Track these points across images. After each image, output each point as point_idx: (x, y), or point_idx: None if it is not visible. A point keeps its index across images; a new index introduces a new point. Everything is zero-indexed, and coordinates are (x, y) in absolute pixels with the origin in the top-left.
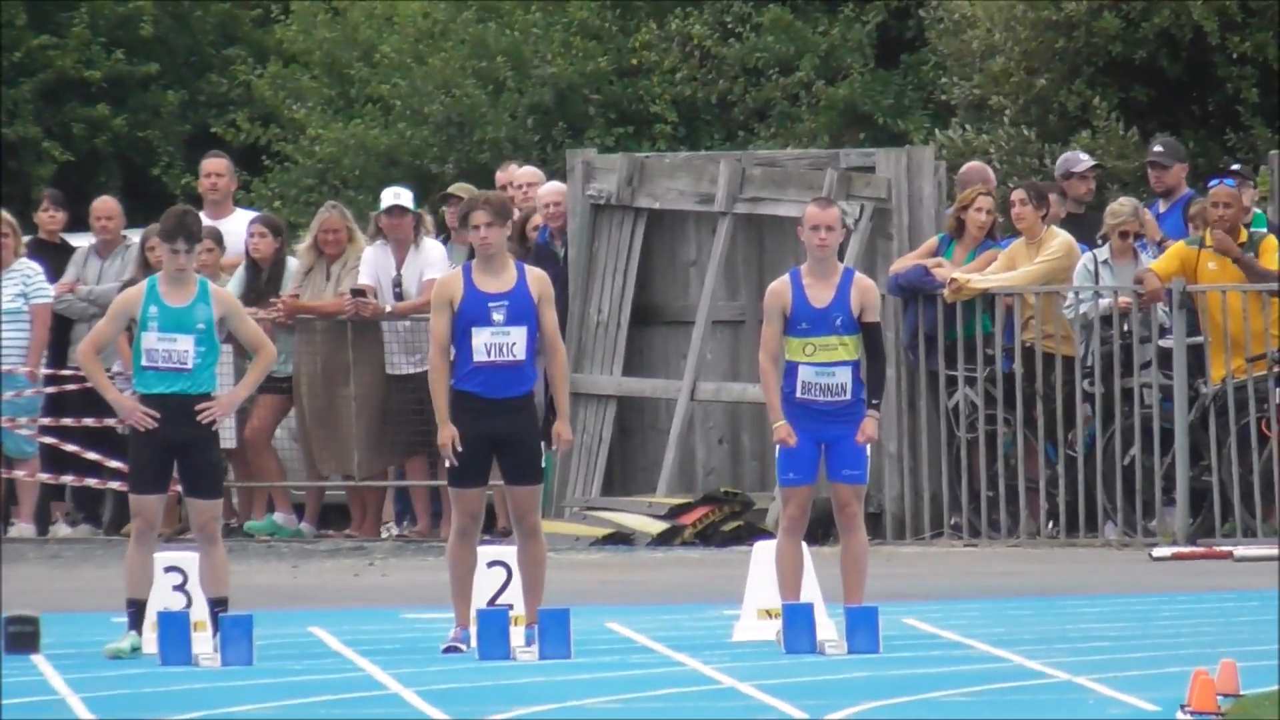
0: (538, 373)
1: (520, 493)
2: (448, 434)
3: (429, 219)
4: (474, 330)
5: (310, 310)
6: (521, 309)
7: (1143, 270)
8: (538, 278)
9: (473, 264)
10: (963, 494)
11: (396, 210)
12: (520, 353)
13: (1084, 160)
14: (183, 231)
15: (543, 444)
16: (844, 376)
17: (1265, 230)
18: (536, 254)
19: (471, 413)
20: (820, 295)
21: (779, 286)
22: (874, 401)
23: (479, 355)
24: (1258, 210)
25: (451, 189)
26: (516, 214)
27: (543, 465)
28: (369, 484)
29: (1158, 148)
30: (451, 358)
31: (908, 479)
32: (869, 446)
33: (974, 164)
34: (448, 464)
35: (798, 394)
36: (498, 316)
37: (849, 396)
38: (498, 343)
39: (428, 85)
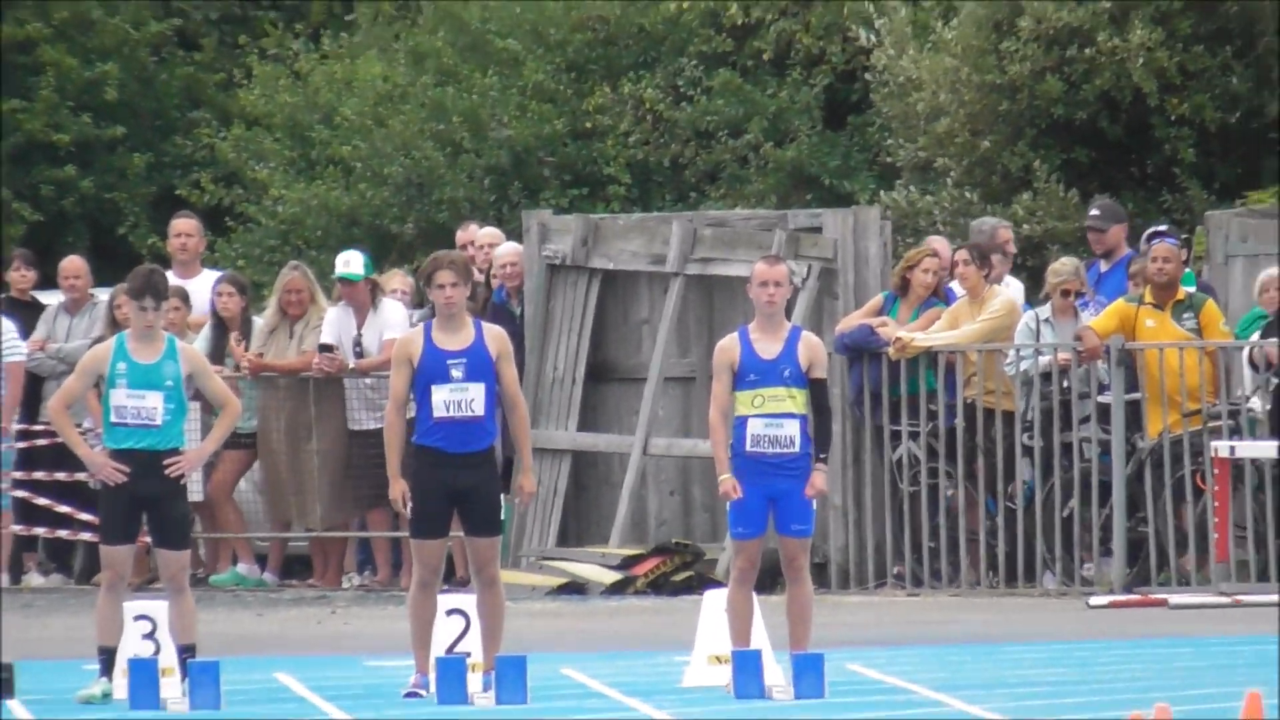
0: (497, 428)
1: (480, 544)
2: (399, 488)
3: (392, 279)
4: (434, 387)
5: (274, 368)
6: (479, 366)
7: (1082, 328)
8: (496, 335)
9: (433, 322)
10: (905, 545)
11: (345, 280)
12: (479, 408)
13: (990, 223)
14: (150, 289)
15: (502, 496)
16: (792, 429)
17: (1198, 290)
18: (493, 313)
19: (433, 466)
20: (768, 348)
21: (727, 343)
22: (821, 455)
23: (439, 411)
24: (1188, 269)
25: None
26: (477, 274)
27: (501, 518)
28: (331, 534)
29: (1094, 211)
30: (411, 414)
31: (852, 530)
32: (815, 500)
33: (936, 238)
34: (409, 516)
35: (747, 447)
36: (456, 373)
37: (797, 449)
38: (456, 399)
39: (387, 147)
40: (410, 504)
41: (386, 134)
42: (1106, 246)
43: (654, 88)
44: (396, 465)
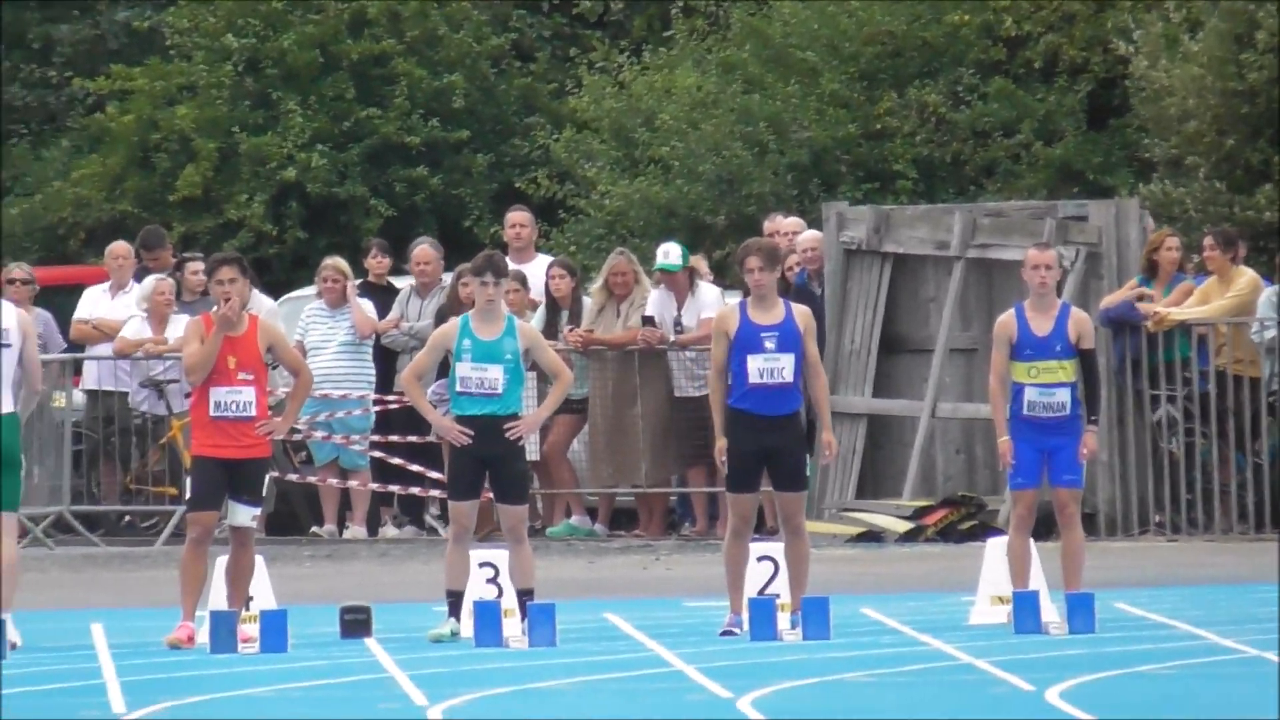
0: (802, 394)
1: (788, 498)
2: (721, 445)
3: (703, 265)
4: (749, 357)
5: (602, 343)
6: (789, 338)
7: None
8: (803, 313)
9: (748, 301)
10: (1165, 496)
11: (665, 270)
12: (788, 375)
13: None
14: (490, 267)
15: (807, 455)
16: (1063, 396)
17: None
18: (796, 293)
19: (746, 428)
20: (1041, 325)
21: (1006, 319)
22: (1092, 418)
23: (753, 378)
24: None
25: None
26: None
27: (806, 474)
28: (654, 490)
29: None
30: (729, 381)
31: (1118, 483)
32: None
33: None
34: (726, 472)
35: (1024, 411)
36: (769, 345)
37: (1068, 412)
38: (769, 367)
39: (701, 148)
40: (727, 462)
41: (700, 136)
42: None
43: (936, 93)
44: (721, 423)
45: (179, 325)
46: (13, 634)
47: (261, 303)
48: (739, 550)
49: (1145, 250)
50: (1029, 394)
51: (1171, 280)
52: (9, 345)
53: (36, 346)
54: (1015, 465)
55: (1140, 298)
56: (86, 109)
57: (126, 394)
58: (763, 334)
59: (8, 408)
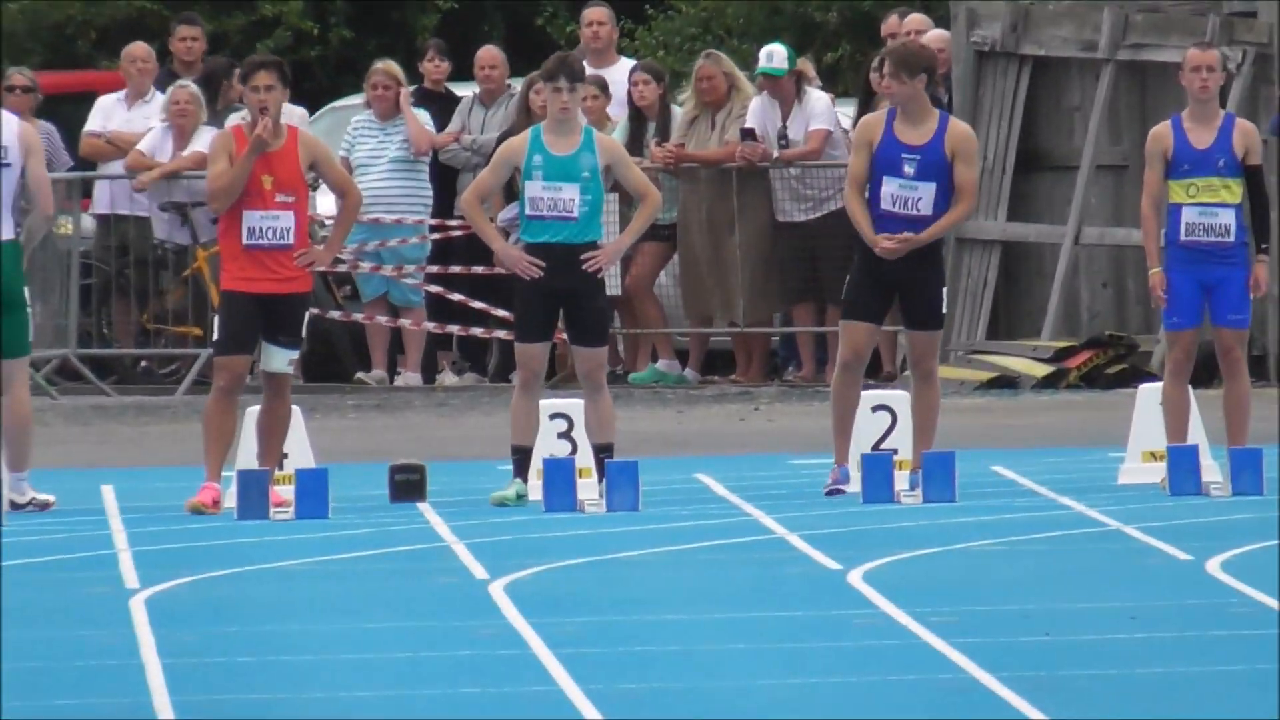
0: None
1: (920, 337)
2: (885, 243)
3: (811, 69)
4: (884, 179)
5: (695, 159)
6: (934, 164)
7: None
8: (959, 134)
9: (896, 111)
10: None
11: (768, 75)
12: (925, 208)
13: None
14: (564, 70)
15: (943, 290)
16: (1227, 218)
17: None
18: None
19: (873, 257)
20: (1202, 138)
21: (1160, 130)
22: (1263, 246)
23: (884, 204)
24: None
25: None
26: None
27: (943, 311)
28: (755, 330)
29: None
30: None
31: None
32: (1251, 289)
33: None
34: (844, 295)
35: (1182, 236)
36: (908, 169)
37: (1232, 239)
38: (904, 195)
39: None
40: (847, 286)
41: None
42: None
43: None
44: (870, 231)
45: (206, 139)
46: (38, 493)
47: (292, 113)
48: (849, 389)
49: None
50: (1187, 215)
51: None
52: (8, 164)
53: (43, 163)
54: (1171, 301)
55: None
56: None
57: (144, 219)
58: (904, 155)
59: (7, 234)
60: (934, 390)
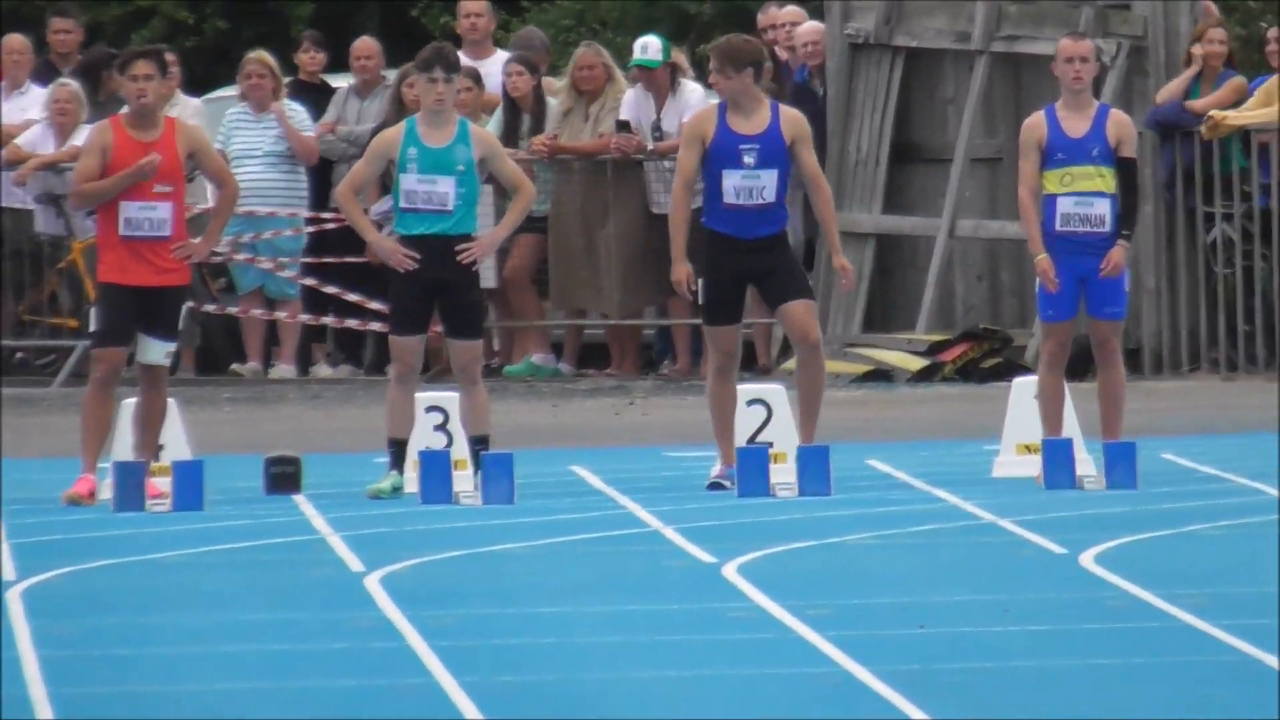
0: (787, 211)
1: (794, 308)
2: (682, 271)
3: (685, 60)
4: (724, 172)
5: (570, 151)
6: (773, 152)
7: None
8: (791, 119)
9: (727, 103)
10: (1220, 328)
11: (642, 66)
12: (770, 195)
13: None
14: (440, 60)
15: (803, 269)
16: (1102, 208)
17: None
18: (795, 93)
19: (725, 250)
20: (1076, 127)
21: (1034, 120)
22: (1124, 232)
23: (728, 197)
24: None
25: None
26: (781, 54)
27: (809, 283)
28: (629, 322)
29: None
30: (702, 197)
31: (1165, 314)
32: (1127, 282)
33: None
34: (701, 301)
35: (1057, 226)
36: (748, 159)
37: (1108, 229)
38: (747, 185)
39: None
40: (702, 290)
41: None
42: None
43: None
44: (682, 246)
45: (86, 134)
46: None
47: (186, 103)
48: (725, 391)
49: (1188, 44)
50: (1062, 205)
51: (1219, 78)
52: None
53: None
54: (1046, 294)
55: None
56: None
57: (21, 211)
58: (741, 146)
59: None
60: (818, 361)
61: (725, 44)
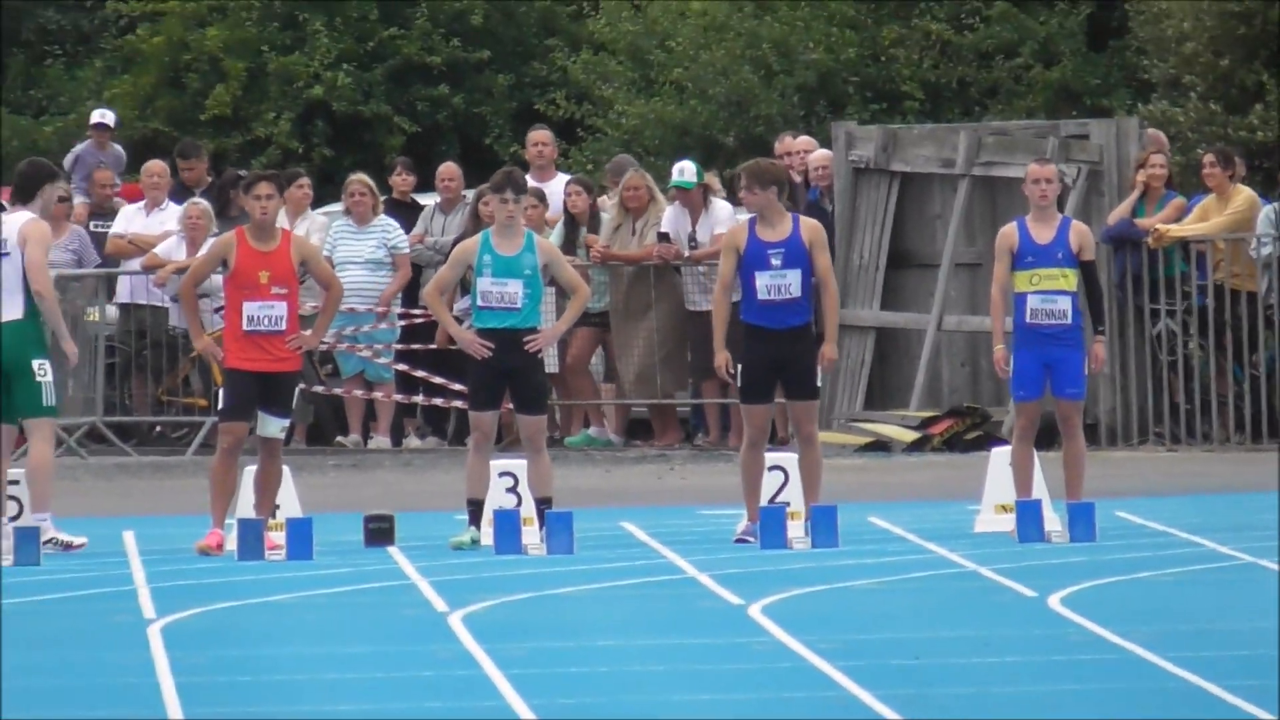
0: (812, 306)
1: (800, 406)
2: (722, 358)
3: (716, 182)
4: (756, 274)
5: (619, 259)
6: (795, 254)
7: None
8: (810, 227)
9: (755, 218)
10: (1165, 407)
11: (680, 187)
12: (795, 291)
13: None
14: (510, 184)
15: (818, 365)
16: (1065, 304)
17: None
18: (808, 209)
19: (759, 340)
20: (1043, 234)
21: (1008, 229)
22: (1099, 329)
23: (761, 294)
24: None
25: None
26: (795, 177)
27: (817, 383)
28: (669, 401)
29: None
30: (737, 296)
31: (1119, 395)
32: (1086, 367)
33: (1153, 131)
34: (739, 385)
35: (1027, 320)
36: (775, 261)
37: (1069, 322)
38: (776, 283)
39: (710, 71)
40: (739, 374)
41: (710, 59)
42: None
43: (941, 18)
44: (722, 338)
45: None
46: (59, 533)
47: (314, 219)
48: (755, 461)
49: (1134, 170)
50: (1031, 302)
51: (1162, 198)
52: (7, 254)
53: (40, 251)
54: (1018, 377)
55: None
56: (119, 31)
57: (160, 308)
58: (769, 251)
59: (9, 316)
60: (815, 450)
61: (754, 166)
